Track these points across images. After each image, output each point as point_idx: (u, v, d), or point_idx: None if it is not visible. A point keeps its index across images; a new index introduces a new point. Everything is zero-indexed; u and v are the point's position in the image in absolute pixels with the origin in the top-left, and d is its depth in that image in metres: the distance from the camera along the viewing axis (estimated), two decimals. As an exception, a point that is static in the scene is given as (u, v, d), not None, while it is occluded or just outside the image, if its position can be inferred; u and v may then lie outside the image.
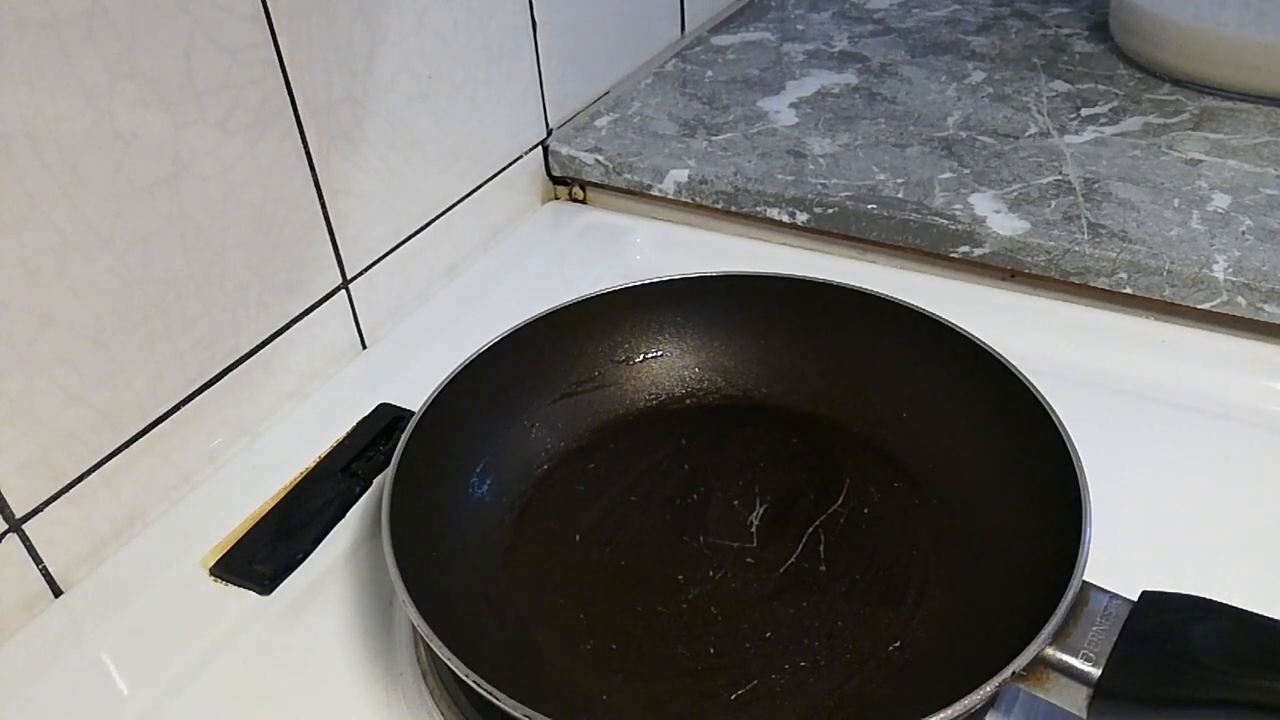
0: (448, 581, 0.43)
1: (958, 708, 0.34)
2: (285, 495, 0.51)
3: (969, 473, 0.48)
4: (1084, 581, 0.38)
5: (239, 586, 0.47)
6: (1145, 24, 0.76)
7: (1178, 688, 0.35)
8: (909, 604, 0.44)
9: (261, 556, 0.48)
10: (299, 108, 0.52)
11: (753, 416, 0.54)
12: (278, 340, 0.55)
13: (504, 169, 0.70)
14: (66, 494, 0.46)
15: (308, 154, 0.54)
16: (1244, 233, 0.59)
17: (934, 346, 0.51)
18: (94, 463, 0.47)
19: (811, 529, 0.47)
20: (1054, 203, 0.63)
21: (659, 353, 0.56)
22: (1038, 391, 0.46)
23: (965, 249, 0.62)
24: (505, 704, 0.35)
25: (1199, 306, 0.57)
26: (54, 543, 0.46)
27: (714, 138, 0.73)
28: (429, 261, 0.65)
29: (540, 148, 0.73)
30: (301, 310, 0.56)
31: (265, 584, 0.47)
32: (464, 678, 0.36)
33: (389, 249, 0.61)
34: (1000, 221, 0.62)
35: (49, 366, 0.44)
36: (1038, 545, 0.42)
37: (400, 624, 0.46)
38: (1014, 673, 0.35)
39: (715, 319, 0.56)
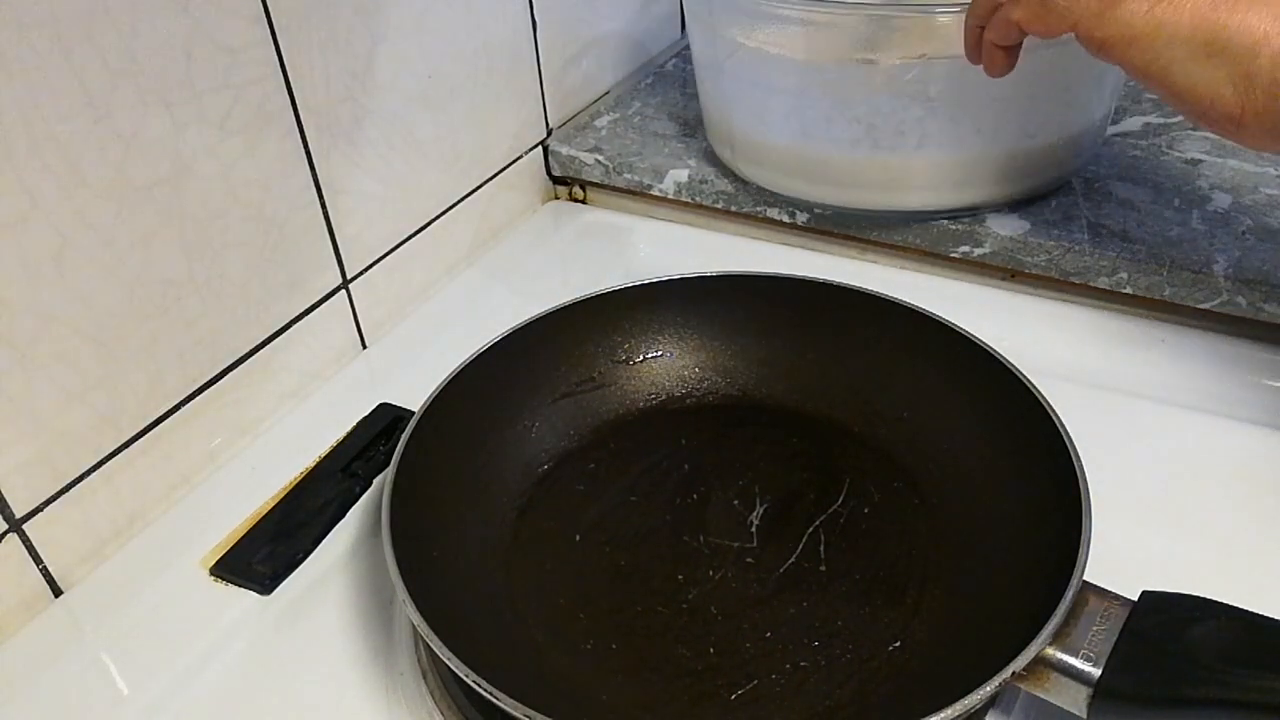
0: (448, 581, 0.43)
1: (958, 708, 0.34)
2: (285, 495, 0.51)
3: (969, 472, 0.48)
4: (1084, 581, 0.38)
5: (239, 586, 0.47)
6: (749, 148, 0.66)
7: (1178, 688, 0.35)
8: (909, 604, 0.44)
9: (261, 556, 0.48)
10: (299, 108, 0.52)
11: (753, 416, 0.54)
12: (278, 340, 0.55)
13: (504, 169, 0.70)
14: (66, 494, 0.46)
15: (308, 154, 0.54)
16: (1244, 232, 0.59)
17: (934, 346, 0.51)
18: (94, 463, 0.47)
19: (811, 529, 0.47)
20: (1054, 202, 0.63)
21: (659, 353, 0.56)
22: (1038, 391, 0.46)
23: (965, 249, 0.62)
24: (505, 704, 0.35)
25: (1199, 306, 0.57)
26: (54, 543, 0.46)
27: (714, 138, 0.72)
28: (429, 261, 0.65)
29: (540, 147, 0.73)
30: (301, 310, 0.56)
31: (265, 584, 0.47)
32: (464, 678, 0.36)
33: (389, 249, 0.61)
34: (1000, 221, 0.62)
35: (49, 366, 0.44)
36: (1038, 545, 0.42)
37: (400, 624, 0.46)
38: (1014, 673, 0.35)
39: (715, 319, 0.56)
